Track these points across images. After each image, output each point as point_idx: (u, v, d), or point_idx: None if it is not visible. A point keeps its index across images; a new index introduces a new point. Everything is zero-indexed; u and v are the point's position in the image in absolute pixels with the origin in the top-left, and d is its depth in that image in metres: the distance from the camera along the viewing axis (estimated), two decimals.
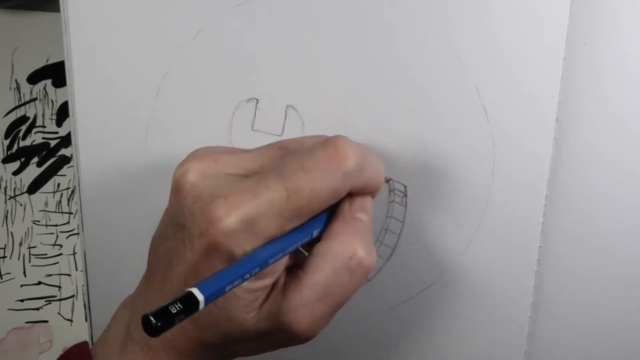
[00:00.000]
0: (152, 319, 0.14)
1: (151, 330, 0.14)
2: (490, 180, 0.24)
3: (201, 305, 0.15)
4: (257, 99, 0.25)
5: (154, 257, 0.20)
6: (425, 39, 0.23)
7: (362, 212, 0.19)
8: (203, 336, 0.19)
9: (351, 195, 0.20)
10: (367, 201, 0.20)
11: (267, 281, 0.19)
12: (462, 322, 0.26)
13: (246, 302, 0.18)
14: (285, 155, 0.19)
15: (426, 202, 0.25)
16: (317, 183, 0.18)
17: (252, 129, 0.25)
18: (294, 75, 0.24)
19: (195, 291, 0.15)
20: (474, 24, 0.23)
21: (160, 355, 0.19)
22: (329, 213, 0.20)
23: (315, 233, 0.19)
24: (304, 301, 0.18)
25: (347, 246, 0.18)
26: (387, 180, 0.25)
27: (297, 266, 0.19)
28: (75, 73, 0.25)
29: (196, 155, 0.19)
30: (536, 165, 0.24)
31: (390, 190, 0.25)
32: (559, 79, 0.23)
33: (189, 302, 0.15)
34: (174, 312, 0.14)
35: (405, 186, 0.25)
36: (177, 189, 0.19)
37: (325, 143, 0.19)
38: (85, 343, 0.21)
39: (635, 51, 0.23)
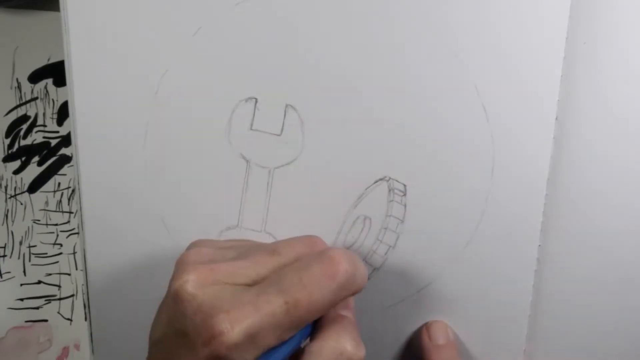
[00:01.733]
0: None
1: None
2: (489, 179, 0.24)
3: None
4: (256, 98, 0.25)
5: (156, 352, 0.21)
6: (425, 38, 0.23)
7: (345, 310, 0.21)
8: None
9: None
10: (348, 300, 0.21)
11: None
12: (461, 320, 0.26)
13: None
14: (281, 266, 0.20)
15: (425, 201, 0.25)
16: (314, 296, 0.19)
17: (251, 129, 0.25)
18: (293, 75, 0.24)
19: None
20: (474, 23, 0.23)
21: None
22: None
23: (306, 334, 0.21)
24: None
25: (337, 344, 0.20)
26: (387, 180, 0.25)
27: None
28: (74, 72, 0.25)
29: (191, 265, 0.20)
30: (536, 165, 0.24)
31: (389, 189, 0.25)
32: (558, 78, 0.23)
33: None
34: None
35: (404, 185, 0.25)
36: (177, 300, 0.20)
37: (321, 257, 0.20)
38: None
39: (635, 50, 0.23)
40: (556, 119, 0.24)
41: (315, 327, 0.21)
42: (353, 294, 0.21)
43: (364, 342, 0.26)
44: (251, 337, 0.18)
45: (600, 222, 0.24)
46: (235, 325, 0.18)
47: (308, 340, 0.21)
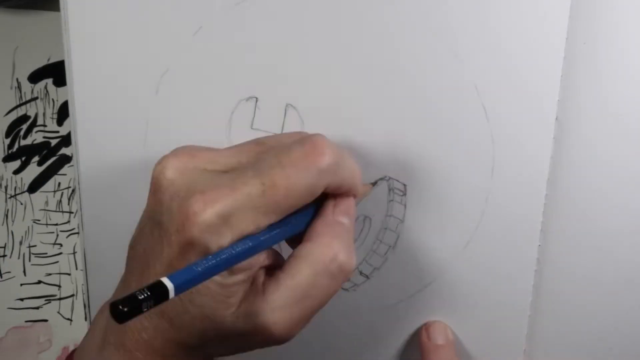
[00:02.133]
0: (120, 305, 0.14)
1: (118, 316, 0.14)
2: (489, 179, 0.24)
3: (171, 294, 0.15)
4: (257, 98, 0.25)
5: (132, 258, 0.20)
6: (425, 37, 0.23)
7: (344, 216, 0.20)
8: (179, 336, 0.19)
9: (335, 197, 0.20)
10: (351, 205, 0.20)
11: (241, 277, 0.18)
12: (461, 320, 0.26)
13: (221, 298, 0.18)
14: (263, 152, 0.19)
15: (426, 201, 0.25)
16: (293, 178, 0.18)
17: (252, 128, 0.25)
18: (293, 74, 0.24)
19: (165, 280, 0.15)
20: (474, 23, 0.23)
21: (136, 358, 0.19)
22: (312, 214, 0.20)
23: (295, 231, 0.19)
24: (283, 303, 0.18)
25: (328, 249, 0.19)
26: (387, 179, 0.25)
27: (277, 267, 0.19)
28: (74, 71, 0.25)
29: (174, 152, 0.19)
30: (536, 165, 0.24)
31: (389, 189, 0.25)
32: (559, 78, 0.23)
33: (159, 290, 0.15)
34: (141, 298, 0.14)
35: (404, 185, 0.25)
36: (155, 186, 0.19)
37: (303, 140, 0.19)
38: (71, 353, 0.21)
39: (635, 50, 0.23)
40: (556, 119, 0.24)
41: (308, 230, 0.19)
42: (343, 190, 0.20)
43: (365, 342, 0.27)
44: (225, 218, 0.17)
45: (600, 222, 0.24)
46: (208, 205, 0.17)
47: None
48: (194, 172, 0.18)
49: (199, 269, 0.16)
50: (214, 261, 0.17)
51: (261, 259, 0.19)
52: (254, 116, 0.25)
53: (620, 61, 0.23)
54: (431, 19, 0.23)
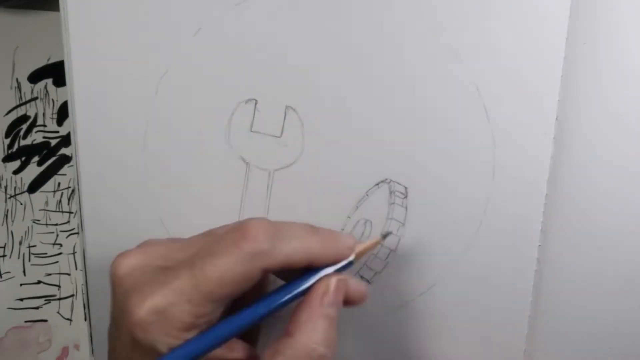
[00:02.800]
0: None
1: None
2: (490, 179, 0.24)
3: None
4: (256, 100, 0.25)
5: (108, 356, 0.20)
6: (426, 38, 0.23)
7: (332, 306, 0.19)
8: None
9: (328, 280, 0.19)
10: (340, 292, 0.20)
11: None
12: (462, 321, 0.26)
13: None
14: (202, 244, 0.19)
15: (427, 203, 0.25)
16: (223, 267, 0.18)
17: (251, 130, 0.25)
18: (293, 76, 0.24)
19: None
20: (474, 23, 0.23)
21: None
22: (296, 292, 0.19)
23: (277, 306, 0.19)
24: None
25: (308, 345, 0.18)
26: (388, 182, 0.25)
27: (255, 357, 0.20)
28: (74, 72, 0.25)
29: (130, 250, 0.20)
30: (536, 165, 0.24)
31: (390, 192, 0.25)
32: (559, 78, 0.23)
33: None
34: None
35: (405, 187, 0.25)
36: (111, 283, 0.19)
37: (235, 226, 0.19)
38: None
39: (636, 50, 0.23)
40: (556, 119, 0.24)
41: (292, 319, 0.19)
42: (292, 263, 0.19)
43: (367, 346, 0.26)
44: (159, 314, 0.17)
45: (600, 222, 0.24)
46: (142, 303, 0.18)
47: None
48: (142, 270, 0.19)
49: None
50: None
51: (235, 354, 0.19)
52: (254, 118, 0.25)
53: (620, 61, 0.23)
54: (431, 19, 0.23)
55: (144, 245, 0.20)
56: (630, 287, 0.24)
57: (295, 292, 0.19)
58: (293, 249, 0.19)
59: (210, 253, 0.18)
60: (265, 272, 0.19)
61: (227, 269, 0.18)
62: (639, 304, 0.24)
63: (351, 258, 0.20)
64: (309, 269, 0.20)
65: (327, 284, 0.19)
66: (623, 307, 0.25)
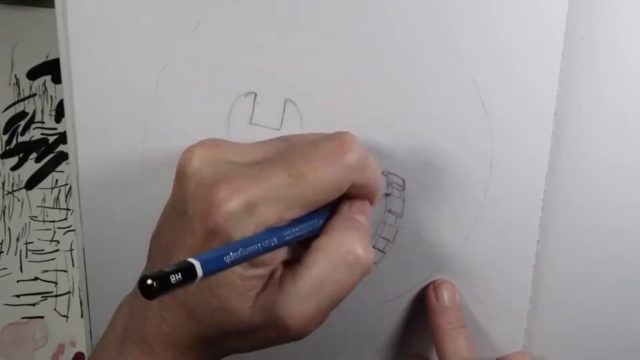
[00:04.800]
0: (150, 280, 0.14)
1: (147, 291, 0.14)
2: (488, 174, 0.24)
3: (199, 275, 0.15)
4: (256, 93, 0.25)
5: (154, 250, 0.20)
6: (424, 33, 0.24)
7: (360, 214, 0.20)
8: (198, 329, 0.19)
9: (350, 198, 0.20)
10: (366, 206, 0.20)
11: (261, 271, 0.18)
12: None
13: (241, 290, 0.18)
14: (289, 147, 0.19)
15: (424, 196, 0.25)
16: (320, 172, 0.18)
17: (251, 123, 0.25)
18: (292, 69, 0.24)
19: (193, 260, 0.15)
20: (472, 18, 0.23)
21: (155, 352, 0.19)
22: (329, 213, 0.20)
23: (314, 228, 0.19)
24: (299, 294, 0.18)
25: (346, 242, 0.18)
26: (386, 174, 0.25)
27: (295, 260, 0.19)
28: (73, 67, 0.25)
29: (201, 142, 0.19)
30: (535, 160, 0.24)
31: (388, 184, 0.25)
32: (557, 74, 0.23)
33: (187, 269, 0.15)
34: (171, 277, 0.14)
35: (403, 180, 0.25)
36: (181, 175, 0.19)
37: (331, 136, 0.19)
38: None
39: (634, 46, 0.23)
40: (555, 114, 0.24)
41: (325, 226, 0.19)
42: (365, 191, 0.20)
43: (364, 337, 0.26)
44: (249, 209, 0.17)
45: (598, 218, 0.24)
46: (234, 194, 0.17)
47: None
48: (220, 163, 0.18)
49: (227, 253, 0.16)
50: (241, 248, 0.17)
51: (281, 253, 0.19)
52: (253, 111, 0.25)
53: (618, 56, 0.23)
54: (430, 14, 0.23)
55: (214, 140, 0.20)
56: (628, 282, 0.24)
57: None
58: (374, 173, 0.19)
59: (306, 157, 0.18)
60: (351, 188, 0.19)
61: (324, 174, 0.18)
62: (636, 299, 0.24)
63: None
64: None
65: (350, 199, 0.20)
66: (621, 302, 0.25)
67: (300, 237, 0.19)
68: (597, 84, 0.23)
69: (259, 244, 0.17)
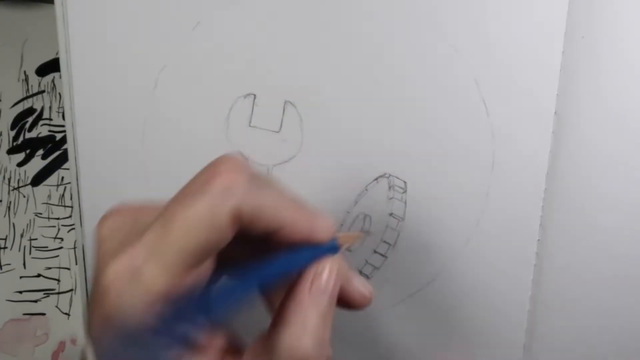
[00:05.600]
0: None
1: None
2: (489, 174, 0.24)
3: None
4: (255, 95, 0.25)
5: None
6: (425, 33, 0.24)
7: (322, 294, 0.16)
8: None
9: (318, 264, 0.16)
10: (332, 276, 0.16)
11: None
12: (461, 316, 0.25)
13: None
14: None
15: (426, 198, 0.25)
16: (189, 208, 0.15)
17: (250, 125, 0.25)
18: (292, 71, 0.24)
19: None
20: (473, 18, 0.23)
21: None
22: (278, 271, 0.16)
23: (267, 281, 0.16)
24: None
25: (296, 344, 0.16)
26: (387, 177, 0.25)
27: (236, 352, 0.16)
28: (74, 66, 0.25)
29: (112, 209, 0.17)
30: (535, 159, 0.24)
31: (389, 187, 0.25)
32: (557, 73, 0.23)
33: None
34: None
35: (405, 182, 0.25)
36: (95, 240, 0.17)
37: (207, 165, 0.16)
38: None
39: (634, 45, 0.23)
40: (555, 113, 0.24)
41: (279, 310, 0.16)
42: (262, 221, 0.15)
43: (367, 341, 0.26)
44: (131, 275, 0.14)
45: (599, 217, 0.24)
46: (110, 265, 0.15)
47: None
48: (117, 231, 0.16)
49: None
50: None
51: (219, 342, 0.16)
52: (252, 113, 0.25)
53: (618, 55, 0.23)
54: (431, 14, 0.23)
55: (129, 204, 0.17)
56: (629, 281, 0.24)
57: (286, 261, 0.16)
58: (269, 200, 0.16)
59: (180, 197, 0.15)
60: (235, 222, 0.15)
61: (192, 209, 0.15)
62: (637, 298, 0.24)
63: (333, 242, 0.17)
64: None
65: (318, 267, 0.16)
66: (621, 301, 0.24)
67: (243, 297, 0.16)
68: (597, 83, 0.23)
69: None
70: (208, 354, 0.16)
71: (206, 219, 0.15)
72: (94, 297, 0.15)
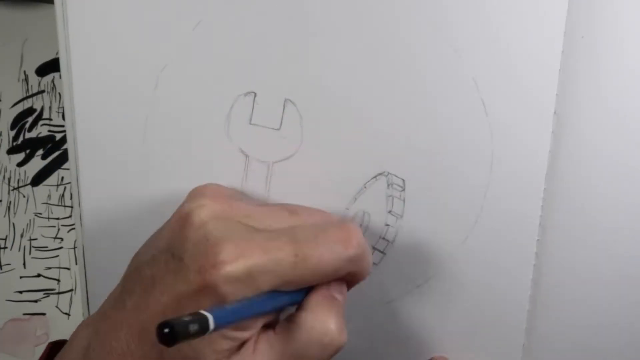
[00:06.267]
0: (167, 329, 0.15)
1: (166, 338, 0.15)
2: (488, 174, 0.24)
3: (211, 328, 0.16)
4: (255, 93, 0.25)
5: (135, 279, 0.20)
6: (424, 31, 0.24)
7: (339, 294, 0.20)
8: None
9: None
10: (344, 285, 0.21)
11: (245, 334, 0.18)
12: (459, 315, 0.25)
13: (219, 349, 0.18)
14: (297, 222, 0.20)
15: (424, 196, 0.25)
16: (324, 259, 0.18)
17: (250, 123, 0.25)
18: (292, 69, 0.25)
19: (209, 315, 0.16)
20: (472, 17, 0.23)
21: None
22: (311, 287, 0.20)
23: (297, 300, 0.20)
24: None
25: (324, 322, 0.19)
26: (386, 174, 0.25)
27: (269, 327, 0.19)
28: (74, 66, 0.25)
29: (212, 194, 0.20)
30: (534, 159, 0.24)
31: (388, 184, 0.25)
32: (557, 73, 0.23)
33: (203, 323, 0.15)
34: (190, 327, 0.15)
35: (403, 180, 0.25)
36: (185, 222, 0.19)
37: (340, 225, 0.20)
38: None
39: (634, 44, 0.23)
40: (555, 113, 0.24)
41: (305, 300, 0.20)
42: (355, 278, 0.20)
43: (364, 338, 0.26)
44: (251, 277, 0.17)
45: (599, 216, 0.24)
46: (239, 259, 0.17)
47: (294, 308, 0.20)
48: (228, 222, 0.19)
49: (238, 313, 0.17)
50: (246, 310, 0.17)
51: (261, 320, 0.19)
52: (253, 111, 0.25)
53: (618, 55, 0.23)
54: (430, 12, 0.23)
55: (225, 196, 0.20)
56: (629, 281, 0.24)
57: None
58: (367, 266, 0.20)
59: (314, 240, 0.18)
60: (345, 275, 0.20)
61: (328, 262, 0.18)
62: (637, 298, 0.24)
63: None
64: None
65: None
66: (621, 301, 0.24)
67: (284, 306, 0.19)
68: (597, 83, 0.23)
69: (257, 308, 0.18)
70: (252, 328, 0.18)
71: (332, 273, 0.19)
72: (192, 263, 0.18)
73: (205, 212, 0.19)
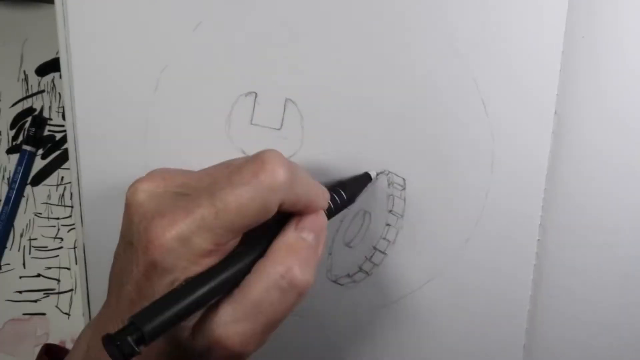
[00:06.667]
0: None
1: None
2: (489, 174, 0.24)
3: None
4: (256, 93, 0.25)
5: (111, 278, 0.20)
6: (425, 32, 0.24)
7: (307, 232, 0.19)
8: (149, 355, 0.19)
9: (300, 214, 0.20)
10: (316, 221, 0.20)
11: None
12: (460, 315, 0.25)
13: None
14: (218, 175, 0.19)
15: (426, 196, 0.25)
16: (244, 198, 0.18)
17: (251, 123, 0.25)
18: (293, 69, 0.25)
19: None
20: (473, 17, 0.23)
21: None
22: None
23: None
24: (234, 317, 0.18)
25: (281, 265, 0.18)
26: (386, 174, 0.25)
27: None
28: (74, 67, 0.25)
29: (148, 175, 0.20)
30: (535, 159, 0.24)
31: (389, 184, 0.25)
32: (557, 73, 0.23)
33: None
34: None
35: (404, 179, 0.25)
36: (127, 208, 0.19)
37: (253, 157, 0.19)
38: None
39: (634, 44, 0.23)
40: (555, 113, 0.24)
41: (268, 247, 0.19)
42: (308, 207, 0.19)
43: (366, 339, 0.26)
44: (183, 242, 0.17)
45: (599, 216, 0.24)
46: (166, 229, 0.17)
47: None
48: (162, 195, 0.19)
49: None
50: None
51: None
52: (254, 111, 0.25)
53: (618, 55, 0.23)
54: (430, 13, 0.23)
55: (158, 172, 0.20)
56: (629, 280, 0.24)
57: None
58: (304, 189, 0.19)
59: (229, 183, 0.18)
60: (281, 208, 0.19)
61: (248, 200, 0.18)
62: (637, 298, 0.24)
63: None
64: None
65: (300, 214, 0.20)
66: (622, 301, 0.24)
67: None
68: (597, 83, 0.23)
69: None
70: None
71: (257, 208, 0.18)
72: (138, 245, 0.18)
73: (140, 193, 0.19)
